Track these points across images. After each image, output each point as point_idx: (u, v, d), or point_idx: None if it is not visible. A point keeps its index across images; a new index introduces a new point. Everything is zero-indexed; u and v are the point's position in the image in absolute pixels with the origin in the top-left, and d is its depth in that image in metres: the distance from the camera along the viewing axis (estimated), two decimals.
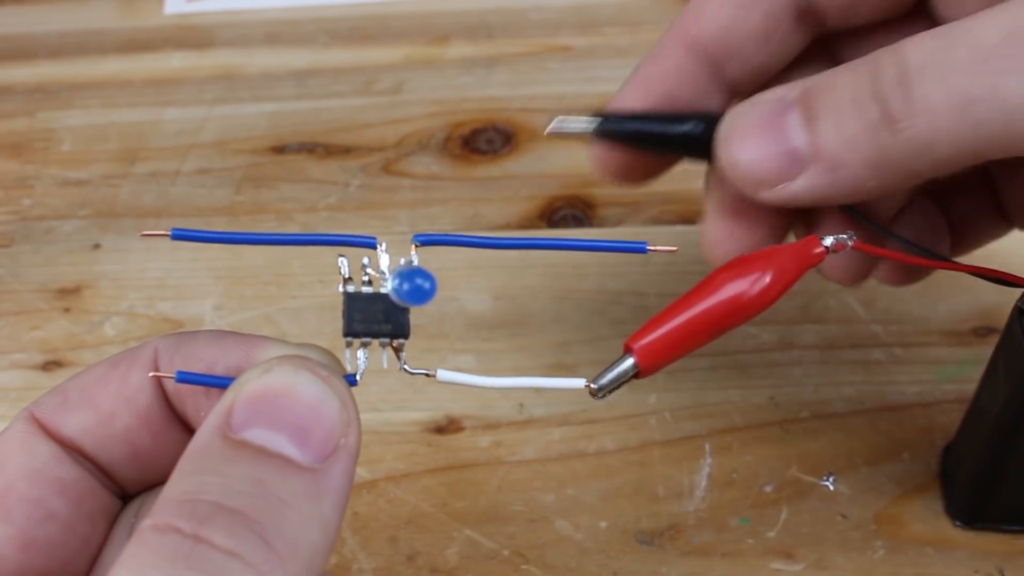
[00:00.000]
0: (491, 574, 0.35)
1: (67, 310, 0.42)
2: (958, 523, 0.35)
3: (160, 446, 0.24)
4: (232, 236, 0.24)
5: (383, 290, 0.24)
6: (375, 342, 0.24)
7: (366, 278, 0.24)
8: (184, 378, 0.23)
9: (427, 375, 0.25)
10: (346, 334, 0.24)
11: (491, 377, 0.26)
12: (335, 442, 0.21)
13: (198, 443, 0.20)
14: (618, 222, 0.44)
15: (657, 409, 0.38)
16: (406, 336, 0.24)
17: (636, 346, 0.26)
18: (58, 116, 0.50)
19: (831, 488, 0.36)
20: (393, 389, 0.39)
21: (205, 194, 0.46)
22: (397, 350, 0.25)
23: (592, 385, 0.26)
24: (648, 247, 0.25)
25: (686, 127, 0.30)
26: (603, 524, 0.36)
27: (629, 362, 0.26)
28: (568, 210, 0.45)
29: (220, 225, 0.45)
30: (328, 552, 0.20)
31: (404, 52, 0.52)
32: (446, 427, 0.38)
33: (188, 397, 0.24)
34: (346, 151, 0.47)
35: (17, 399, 0.40)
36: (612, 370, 0.26)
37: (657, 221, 0.44)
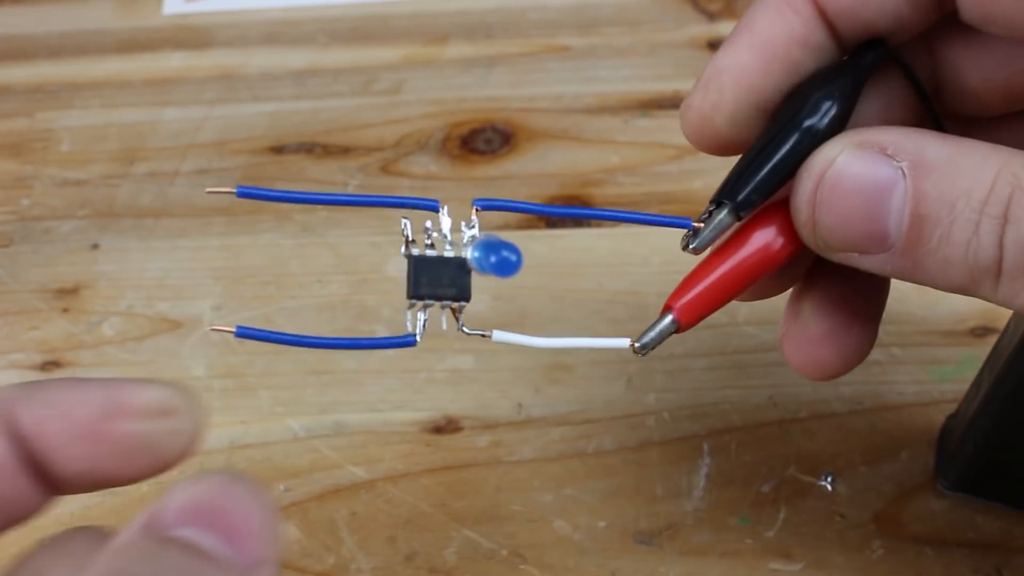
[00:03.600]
0: (490, 574, 0.35)
1: (66, 310, 0.42)
2: (943, 487, 0.35)
3: (9, 493, 0.23)
4: (296, 195, 0.25)
5: (447, 253, 0.25)
6: (436, 305, 0.25)
7: (428, 241, 0.25)
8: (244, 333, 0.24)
9: (483, 336, 0.26)
10: (411, 296, 0.25)
11: (542, 338, 0.26)
12: (264, 550, 0.21)
13: (123, 540, 0.20)
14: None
15: (656, 409, 0.38)
16: (468, 299, 0.25)
17: (676, 304, 0.27)
18: (57, 116, 0.50)
19: (829, 488, 0.36)
20: (392, 389, 0.39)
21: (204, 194, 0.46)
22: (456, 312, 0.25)
23: (636, 344, 0.27)
24: (693, 222, 0.26)
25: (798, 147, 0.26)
26: (602, 524, 0.36)
27: (668, 319, 0.27)
28: None
29: (219, 225, 0.45)
30: None
31: (403, 52, 0.52)
32: (445, 427, 0.38)
33: (53, 441, 0.22)
34: (345, 151, 0.47)
35: None
36: (653, 328, 0.27)
37: None
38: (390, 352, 0.40)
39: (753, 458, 0.37)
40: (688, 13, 0.52)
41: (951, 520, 0.35)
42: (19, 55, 0.53)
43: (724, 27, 0.51)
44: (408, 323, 0.25)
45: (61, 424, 0.22)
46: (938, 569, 0.34)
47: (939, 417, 0.37)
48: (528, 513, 0.36)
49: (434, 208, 0.25)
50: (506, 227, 0.44)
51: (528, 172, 0.46)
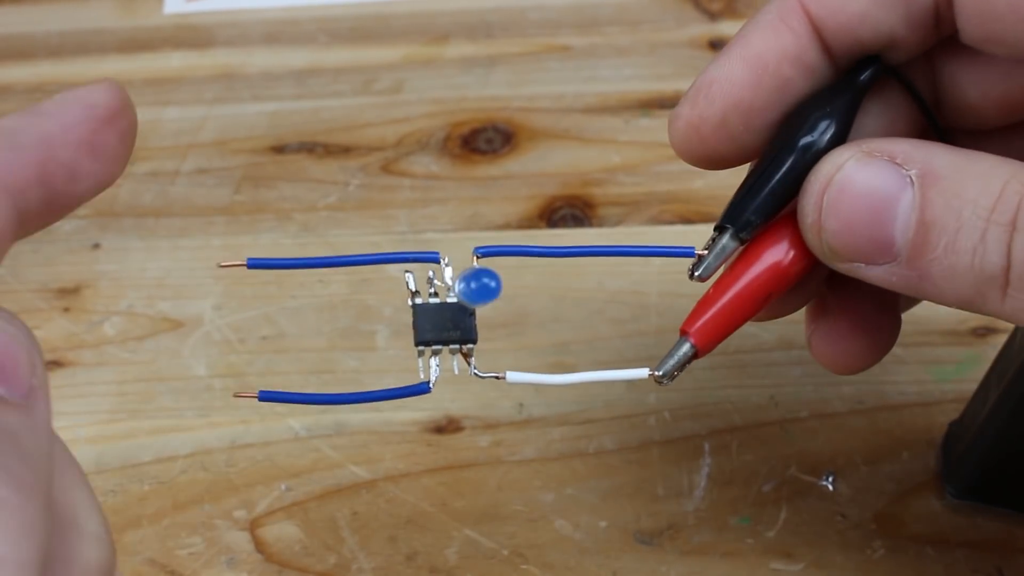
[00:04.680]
0: (490, 574, 0.35)
1: (67, 310, 0.42)
2: (950, 496, 0.35)
3: None
4: (301, 261, 0.27)
5: (449, 299, 0.25)
6: (446, 349, 0.26)
7: (432, 290, 0.25)
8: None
9: (497, 378, 0.27)
10: (418, 343, 0.25)
11: (559, 375, 0.27)
12: (31, 380, 0.21)
13: None
14: (618, 222, 0.44)
15: (657, 408, 0.38)
16: (474, 340, 0.26)
17: (691, 329, 0.27)
18: None
19: (830, 488, 0.36)
20: None
21: (204, 194, 0.46)
22: (467, 355, 0.26)
23: (656, 373, 0.27)
24: (696, 251, 0.26)
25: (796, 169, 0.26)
26: (603, 523, 0.36)
27: (686, 345, 0.27)
28: (568, 210, 0.45)
29: (220, 225, 0.45)
30: (50, 479, 0.20)
31: (404, 51, 0.52)
32: (446, 427, 0.38)
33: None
34: (346, 151, 0.47)
35: None
36: (672, 356, 0.27)
37: (657, 221, 0.44)
38: (391, 352, 0.40)
39: (754, 458, 0.37)
40: (689, 13, 0.52)
41: (952, 520, 0.35)
42: (19, 55, 0.52)
43: (725, 27, 0.51)
44: (421, 371, 0.26)
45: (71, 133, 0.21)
46: (939, 569, 0.34)
47: (940, 417, 0.37)
48: (529, 513, 0.36)
49: (435, 260, 0.25)
50: (506, 226, 0.44)
51: (529, 172, 0.46)
